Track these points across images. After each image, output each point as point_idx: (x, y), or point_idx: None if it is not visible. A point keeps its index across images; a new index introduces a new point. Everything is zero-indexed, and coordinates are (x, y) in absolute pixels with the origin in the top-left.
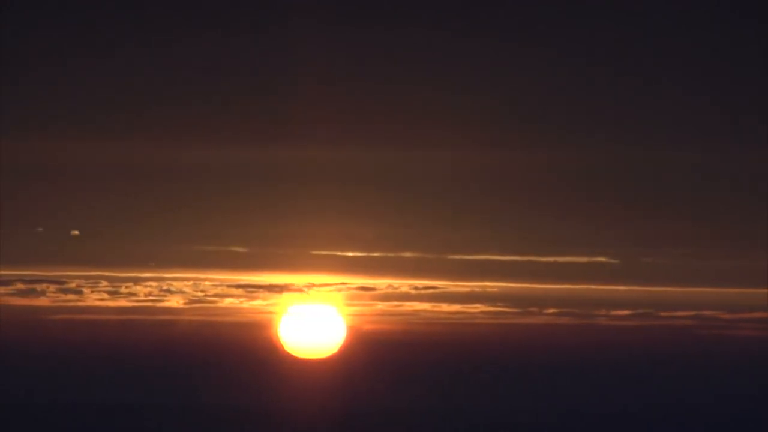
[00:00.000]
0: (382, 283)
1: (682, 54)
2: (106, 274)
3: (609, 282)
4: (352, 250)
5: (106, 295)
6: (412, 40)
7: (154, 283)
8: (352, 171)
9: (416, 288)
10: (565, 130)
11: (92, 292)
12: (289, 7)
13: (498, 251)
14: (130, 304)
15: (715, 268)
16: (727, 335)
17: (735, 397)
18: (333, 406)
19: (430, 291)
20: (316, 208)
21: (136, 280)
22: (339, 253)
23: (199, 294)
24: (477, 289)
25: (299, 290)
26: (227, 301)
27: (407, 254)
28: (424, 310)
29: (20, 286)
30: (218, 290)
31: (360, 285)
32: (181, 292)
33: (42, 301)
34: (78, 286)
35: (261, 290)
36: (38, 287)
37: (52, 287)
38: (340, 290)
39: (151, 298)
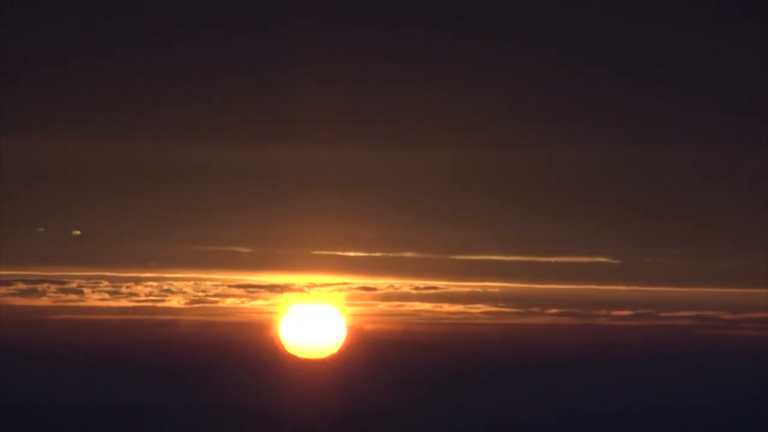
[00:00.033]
0: (383, 283)
1: (682, 54)
2: (107, 274)
3: (610, 282)
4: (353, 250)
5: (107, 295)
6: (412, 40)
7: (154, 283)
8: (353, 171)
9: (417, 288)
10: (565, 130)
11: (93, 292)
12: (289, 7)
13: (499, 251)
14: (131, 304)
15: (716, 268)
16: (727, 335)
17: (736, 397)
18: (333, 406)
19: (432, 291)
20: (317, 208)
21: (137, 280)
22: (340, 253)
23: (200, 294)
24: (478, 290)
25: (300, 290)
26: (228, 301)
27: (408, 254)
28: (425, 311)
29: (21, 286)
30: (219, 290)
31: (361, 285)
32: (182, 292)
33: (43, 301)
34: (79, 286)
35: (262, 290)
36: (39, 287)
37: (53, 287)
38: (341, 290)
39: (152, 298)
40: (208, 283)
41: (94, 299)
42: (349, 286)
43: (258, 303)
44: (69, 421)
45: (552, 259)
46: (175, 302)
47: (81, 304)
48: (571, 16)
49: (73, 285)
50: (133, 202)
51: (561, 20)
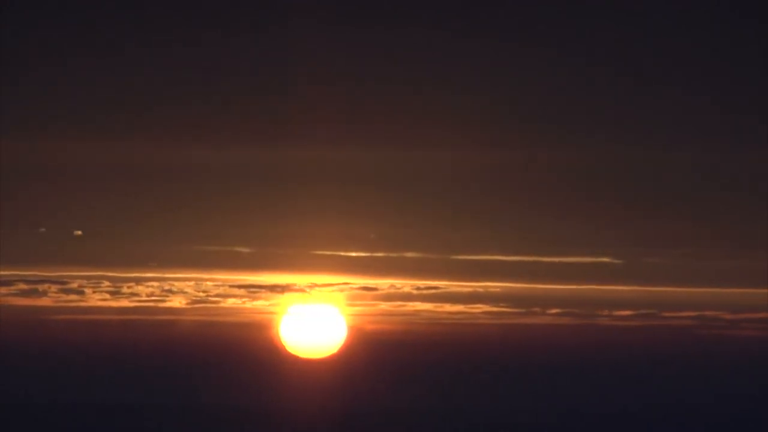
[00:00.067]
0: (385, 283)
1: (682, 54)
2: (108, 274)
3: (611, 282)
4: (354, 251)
5: (107, 296)
6: (412, 40)
7: (155, 284)
8: (354, 171)
9: (418, 288)
10: (565, 130)
11: (94, 292)
12: (289, 7)
13: (500, 251)
14: (132, 305)
15: (717, 268)
16: (728, 335)
17: (736, 397)
18: (334, 406)
19: (433, 291)
20: (318, 208)
21: (138, 281)
22: (341, 254)
23: (201, 294)
24: (479, 290)
25: (301, 290)
26: (229, 302)
27: (409, 254)
28: (427, 311)
29: (22, 286)
30: (220, 290)
31: (362, 285)
32: (183, 292)
33: (44, 302)
34: (80, 286)
35: (263, 290)
36: (40, 287)
37: (54, 287)
38: (342, 290)
39: (153, 298)
40: (209, 283)
41: (95, 299)
42: (350, 286)
43: (259, 303)
44: (70, 421)
45: (553, 259)
46: (176, 302)
47: (82, 304)
48: (571, 16)
49: (74, 285)
50: (133, 202)
51: (561, 20)
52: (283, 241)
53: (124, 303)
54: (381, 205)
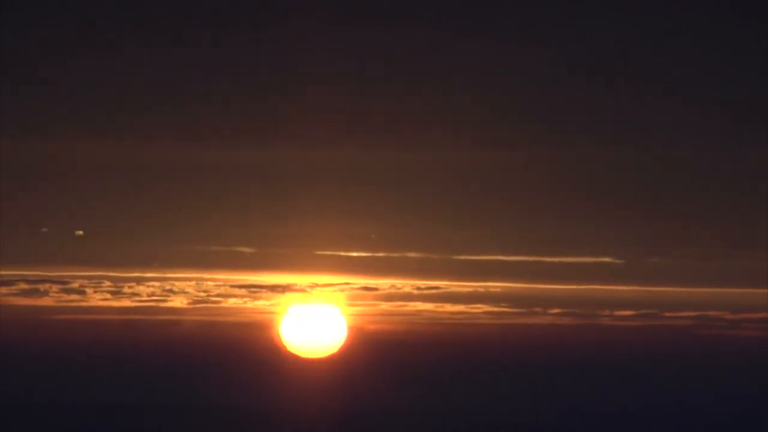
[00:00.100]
0: (385, 283)
1: (682, 54)
2: (109, 274)
3: (612, 282)
4: (355, 251)
5: (109, 296)
6: (412, 40)
7: (157, 283)
8: (355, 171)
9: (419, 288)
10: (565, 130)
11: (95, 292)
12: (289, 7)
13: (501, 251)
14: (133, 304)
15: (718, 268)
16: (729, 335)
17: (737, 397)
18: (334, 406)
19: (433, 291)
20: (319, 208)
21: (139, 281)
22: (342, 254)
23: (202, 294)
24: (480, 290)
25: (302, 290)
26: (230, 302)
27: (410, 254)
28: (427, 311)
29: (23, 286)
30: (221, 290)
31: (363, 285)
32: (184, 292)
33: (45, 301)
34: (81, 286)
35: (264, 290)
36: (41, 287)
37: (55, 287)
38: (343, 290)
39: (154, 298)
40: (210, 283)
41: (96, 299)
42: (351, 286)
43: (260, 303)
44: (70, 421)
45: (554, 259)
46: (178, 302)
47: (83, 304)
48: (571, 16)
49: (75, 285)
50: (134, 202)
51: (561, 20)
52: (284, 241)
53: (126, 303)
54: (382, 205)
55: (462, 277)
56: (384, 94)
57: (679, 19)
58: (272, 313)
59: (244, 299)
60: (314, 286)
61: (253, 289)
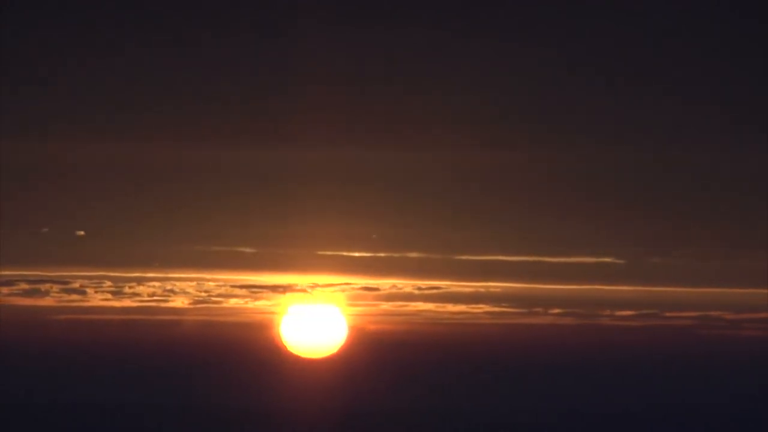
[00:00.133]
0: (386, 283)
1: (682, 54)
2: (110, 274)
3: (613, 282)
4: (356, 251)
5: (109, 296)
6: (412, 40)
7: (157, 284)
8: (356, 171)
9: (420, 288)
10: (565, 130)
11: (96, 292)
12: (290, 7)
13: (502, 251)
14: (134, 305)
15: (719, 268)
16: (730, 335)
17: (738, 397)
18: (335, 406)
19: (434, 291)
20: (320, 208)
21: (140, 281)
22: (343, 254)
23: (203, 294)
24: (481, 290)
25: (303, 290)
26: (231, 302)
27: (411, 255)
28: (428, 311)
29: (24, 286)
30: (222, 290)
31: (364, 285)
32: (185, 292)
33: (46, 302)
34: (82, 286)
35: (265, 290)
36: (42, 287)
37: (56, 287)
38: (343, 290)
39: (155, 298)
40: (211, 283)
41: (97, 299)
42: (351, 286)
43: (261, 303)
44: (70, 421)
45: (555, 260)
46: (179, 302)
47: (84, 304)
48: (571, 16)
49: (76, 285)
50: (135, 203)
51: (561, 20)
52: (284, 241)
53: (126, 303)
54: (383, 205)
55: (463, 277)
56: (384, 94)
57: (679, 19)
58: (273, 313)
59: (245, 299)
60: (315, 286)
61: (254, 289)
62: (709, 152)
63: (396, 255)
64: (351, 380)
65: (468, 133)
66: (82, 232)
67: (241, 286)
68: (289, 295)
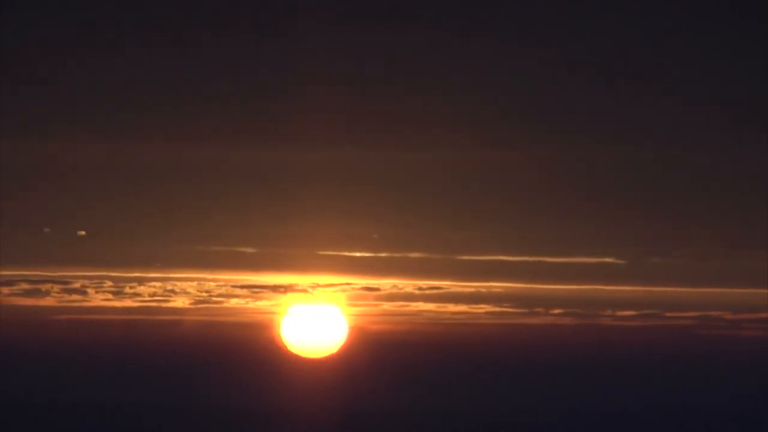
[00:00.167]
0: (387, 283)
1: (682, 54)
2: (111, 274)
3: (614, 282)
4: (357, 251)
5: (110, 296)
6: (412, 40)
7: (158, 284)
8: (357, 171)
9: (421, 288)
10: (565, 130)
11: (97, 292)
12: (290, 7)
13: (503, 252)
14: (135, 305)
15: (719, 268)
16: (730, 336)
17: (739, 397)
18: (335, 406)
19: (435, 291)
20: (321, 208)
21: (141, 281)
22: (344, 254)
23: (204, 294)
24: (482, 290)
25: (304, 290)
26: (232, 302)
27: (412, 255)
28: (429, 311)
29: (25, 286)
30: (223, 290)
31: (364, 285)
32: (186, 292)
33: (47, 302)
34: (82, 286)
35: (266, 290)
36: (43, 287)
37: (57, 287)
38: (344, 290)
39: (155, 298)
40: (212, 283)
41: (98, 299)
42: (352, 286)
43: (262, 303)
44: (70, 421)
45: (556, 260)
46: (179, 302)
47: (85, 304)
48: (571, 16)
49: (77, 285)
50: (136, 203)
51: (561, 20)
52: (285, 241)
53: (127, 303)
54: (383, 205)
55: (463, 278)
56: (384, 94)
57: (679, 19)
58: (273, 313)
59: (246, 299)
60: (315, 286)
61: (255, 289)
62: (709, 152)
63: (397, 255)
64: (351, 380)
65: (468, 133)
66: (83, 232)
67: (242, 286)
68: (289, 295)
